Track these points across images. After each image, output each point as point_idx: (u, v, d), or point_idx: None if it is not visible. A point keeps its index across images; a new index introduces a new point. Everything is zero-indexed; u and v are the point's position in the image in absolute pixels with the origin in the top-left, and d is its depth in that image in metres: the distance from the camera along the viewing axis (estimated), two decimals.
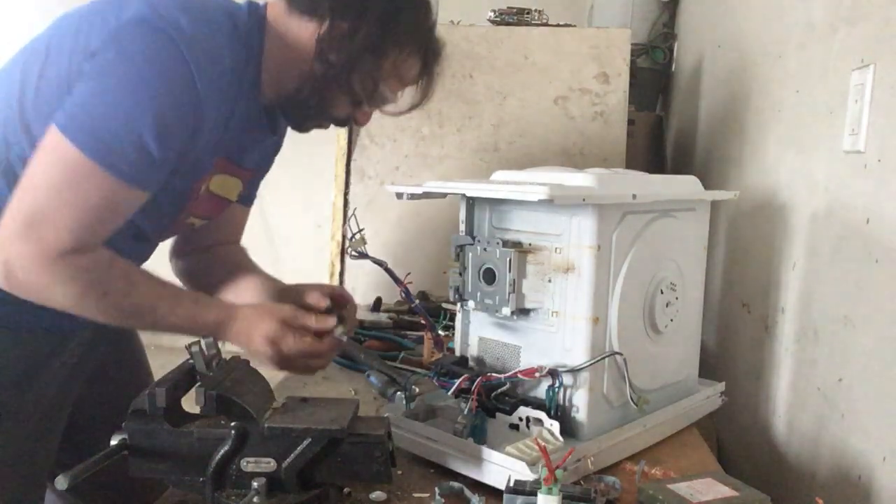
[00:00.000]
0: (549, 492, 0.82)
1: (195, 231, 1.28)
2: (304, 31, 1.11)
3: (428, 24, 1.18)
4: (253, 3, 1.15)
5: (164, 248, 1.30)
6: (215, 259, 1.34)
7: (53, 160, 0.97)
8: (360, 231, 1.33)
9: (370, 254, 1.36)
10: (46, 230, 0.96)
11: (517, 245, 1.10)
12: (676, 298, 1.20)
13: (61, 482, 0.78)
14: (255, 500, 0.86)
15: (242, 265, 1.33)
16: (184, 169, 1.08)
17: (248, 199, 1.35)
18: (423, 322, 1.33)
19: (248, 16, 1.12)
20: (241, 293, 1.24)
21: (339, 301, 1.19)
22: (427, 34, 1.18)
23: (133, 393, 0.92)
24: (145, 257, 1.23)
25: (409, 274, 1.34)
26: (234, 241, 1.39)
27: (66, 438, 1.26)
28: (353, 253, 1.34)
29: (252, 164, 1.26)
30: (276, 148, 1.33)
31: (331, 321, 1.11)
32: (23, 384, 1.14)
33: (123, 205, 1.02)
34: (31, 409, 1.16)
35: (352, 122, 1.23)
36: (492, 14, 2.11)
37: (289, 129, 1.27)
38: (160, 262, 1.28)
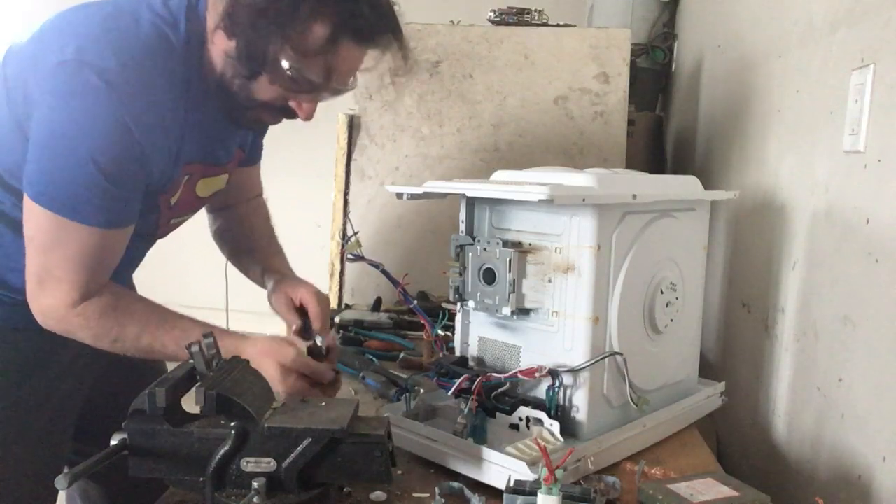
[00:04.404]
0: (549, 492, 0.82)
1: (218, 193, 1.32)
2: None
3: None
4: (192, 3, 1.09)
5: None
6: (239, 218, 1.45)
7: (36, 225, 1.04)
8: (355, 234, 1.34)
9: (367, 255, 1.36)
10: (55, 287, 1.05)
11: (517, 245, 1.10)
12: (676, 298, 1.20)
13: (61, 482, 0.78)
14: (255, 500, 0.85)
15: (257, 231, 1.45)
16: (150, 190, 1.11)
17: (251, 160, 1.40)
18: (422, 322, 1.33)
19: (187, 20, 1.08)
20: (252, 271, 1.41)
21: (306, 309, 1.27)
22: (341, 5, 1.04)
23: (143, 387, 0.93)
24: (142, 254, 1.28)
25: (406, 275, 1.34)
26: (256, 195, 1.48)
27: (80, 431, 1.30)
28: (350, 256, 1.34)
29: (231, 157, 1.27)
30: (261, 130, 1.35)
31: (328, 375, 1.15)
32: (37, 377, 1.19)
33: (111, 245, 1.08)
34: (44, 401, 1.21)
35: (293, 113, 1.14)
36: (492, 14, 2.11)
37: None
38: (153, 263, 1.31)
